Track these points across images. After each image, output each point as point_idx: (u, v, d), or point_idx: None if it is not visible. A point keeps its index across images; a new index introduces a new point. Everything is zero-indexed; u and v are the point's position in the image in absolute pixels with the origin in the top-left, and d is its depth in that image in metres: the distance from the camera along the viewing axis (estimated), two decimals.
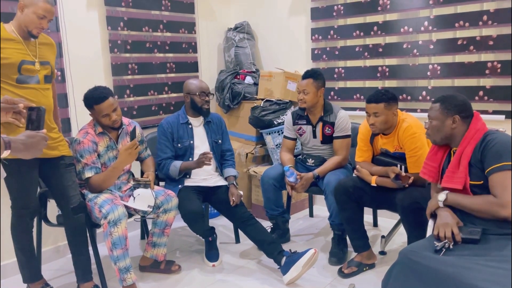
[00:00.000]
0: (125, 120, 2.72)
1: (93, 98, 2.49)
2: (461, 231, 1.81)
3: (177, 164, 2.84)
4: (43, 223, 2.63)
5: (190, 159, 2.91)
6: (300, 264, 2.49)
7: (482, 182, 1.86)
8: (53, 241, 3.03)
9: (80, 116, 2.99)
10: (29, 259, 2.46)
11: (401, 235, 2.86)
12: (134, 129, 2.58)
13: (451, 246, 1.77)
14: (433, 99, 3.08)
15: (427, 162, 2.11)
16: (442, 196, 1.95)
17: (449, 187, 1.94)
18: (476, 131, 1.90)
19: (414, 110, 3.25)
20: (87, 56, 3.14)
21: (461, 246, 1.77)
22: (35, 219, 2.51)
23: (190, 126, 2.94)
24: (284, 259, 2.57)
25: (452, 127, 1.94)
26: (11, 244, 2.43)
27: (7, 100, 1.57)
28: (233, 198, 2.81)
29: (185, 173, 2.90)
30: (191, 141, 2.92)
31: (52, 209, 2.63)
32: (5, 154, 1.36)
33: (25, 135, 1.47)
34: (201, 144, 2.95)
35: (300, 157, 3.18)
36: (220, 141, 3.02)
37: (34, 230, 2.49)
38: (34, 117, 1.58)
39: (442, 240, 1.79)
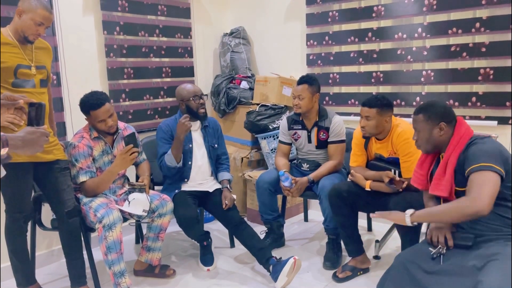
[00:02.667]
0: (121, 124, 2.72)
1: (90, 104, 2.49)
2: (454, 237, 1.82)
3: (168, 152, 2.79)
4: (37, 227, 2.63)
5: (190, 162, 2.90)
6: (284, 273, 2.49)
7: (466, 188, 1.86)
8: (48, 245, 3.02)
9: (75, 120, 2.99)
10: (23, 263, 2.45)
11: (395, 240, 2.88)
12: (133, 134, 2.57)
13: (444, 251, 1.78)
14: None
15: (416, 170, 2.12)
16: (408, 219, 1.87)
17: (436, 194, 1.95)
18: (460, 138, 1.89)
19: (408, 116, 3.23)
20: (83, 60, 3.14)
21: (456, 251, 1.78)
22: (30, 223, 2.50)
23: None
24: (271, 267, 2.57)
25: (440, 134, 1.93)
26: (5, 247, 2.42)
27: (7, 96, 1.56)
28: (226, 201, 2.80)
29: (184, 176, 2.90)
30: (190, 145, 2.91)
31: (47, 213, 2.63)
32: (4, 151, 1.35)
33: (25, 131, 1.45)
34: (197, 148, 2.95)
35: (295, 161, 3.19)
36: (216, 145, 3.02)
37: (28, 234, 2.48)
38: (34, 113, 1.57)
39: (435, 245, 1.81)
